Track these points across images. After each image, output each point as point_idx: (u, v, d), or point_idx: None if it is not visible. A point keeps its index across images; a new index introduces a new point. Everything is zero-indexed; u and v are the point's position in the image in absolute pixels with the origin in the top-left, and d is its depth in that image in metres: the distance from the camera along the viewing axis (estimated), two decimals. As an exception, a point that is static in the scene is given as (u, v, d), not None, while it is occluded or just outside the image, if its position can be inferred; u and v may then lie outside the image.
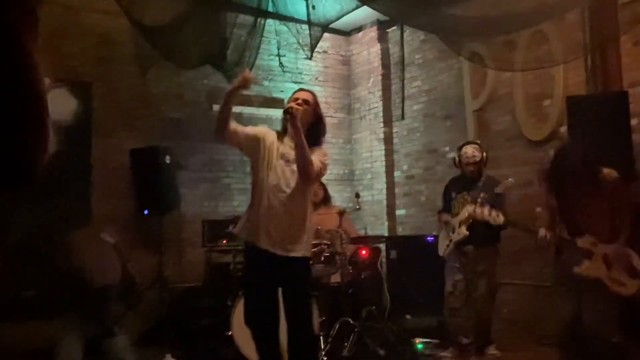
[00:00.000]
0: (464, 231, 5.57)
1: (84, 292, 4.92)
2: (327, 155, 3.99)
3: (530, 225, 4.64)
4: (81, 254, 4.94)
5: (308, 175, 3.77)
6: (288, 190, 3.83)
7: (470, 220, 5.52)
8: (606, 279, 4.01)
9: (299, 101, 3.92)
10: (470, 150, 5.78)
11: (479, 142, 6.04)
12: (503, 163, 6.89)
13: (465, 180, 5.79)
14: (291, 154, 3.84)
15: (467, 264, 5.67)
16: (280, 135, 4.00)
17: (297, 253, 3.85)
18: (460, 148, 5.93)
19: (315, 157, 3.83)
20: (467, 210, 5.53)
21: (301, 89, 4.23)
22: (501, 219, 4.66)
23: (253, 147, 3.96)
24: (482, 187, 5.58)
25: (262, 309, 3.93)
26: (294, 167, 3.83)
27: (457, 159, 5.91)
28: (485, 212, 4.71)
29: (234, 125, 3.90)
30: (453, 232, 5.71)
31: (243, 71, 3.92)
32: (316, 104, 4.04)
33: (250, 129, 4.03)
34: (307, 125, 3.90)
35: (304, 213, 3.92)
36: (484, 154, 5.81)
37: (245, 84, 3.78)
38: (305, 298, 4.00)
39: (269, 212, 3.82)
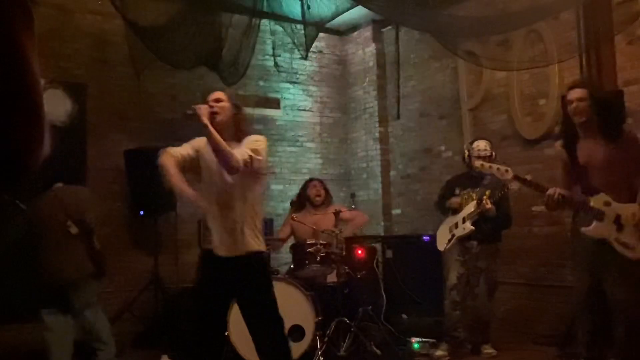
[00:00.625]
0: (469, 226, 5.57)
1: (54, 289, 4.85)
2: (258, 140, 3.81)
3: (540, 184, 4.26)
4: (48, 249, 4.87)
5: (231, 167, 3.63)
6: (229, 190, 3.78)
7: (477, 216, 5.53)
8: (613, 241, 3.86)
9: (211, 103, 3.81)
10: (482, 144, 5.79)
11: (485, 141, 5.98)
12: (498, 162, 6.89)
13: (471, 178, 5.76)
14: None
15: (470, 259, 5.67)
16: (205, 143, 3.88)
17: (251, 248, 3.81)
18: (471, 142, 5.95)
19: (242, 148, 3.70)
20: (472, 205, 5.55)
21: (211, 93, 4.05)
22: (510, 173, 4.40)
23: (196, 164, 3.93)
24: (488, 185, 5.55)
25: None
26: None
27: (467, 153, 5.88)
28: (494, 168, 4.46)
29: (175, 161, 3.84)
30: (456, 227, 5.71)
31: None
32: (229, 98, 3.89)
33: (185, 149, 3.95)
34: (231, 121, 3.83)
35: (248, 209, 3.84)
36: (494, 152, 5.80)
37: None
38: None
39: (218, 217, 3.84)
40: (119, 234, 7.20)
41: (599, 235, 3.92)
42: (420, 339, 6.01)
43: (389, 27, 8.82)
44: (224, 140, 3.63)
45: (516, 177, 4.31)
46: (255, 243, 3.82)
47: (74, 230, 4.88)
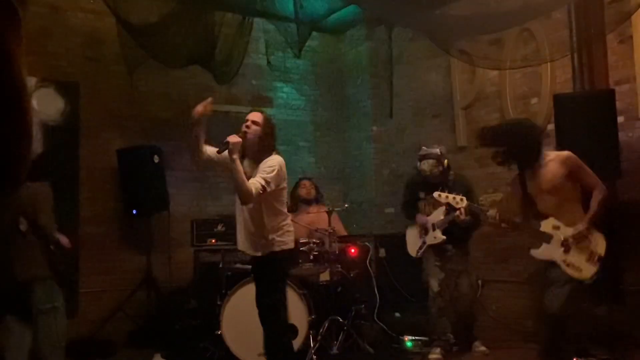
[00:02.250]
0: (440, 236, 5.60)
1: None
2: (272, 166, 4.21)
3: (484, 207, 4.67)
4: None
5: (244, 202, 4.14)
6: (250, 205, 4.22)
7: (447, 225, 5.55)
8: (561, 262, 4.06)
9: (248, 123, 4.31)
10: (426, 168, 5.73)
11: (437, 151, 5.84)
12: (491, 161, 6.90)
13: (432, 182, 5.69)
14: (248, 172, 4.17)
15: (447, 263, 5.70)
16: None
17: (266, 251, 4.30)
18: (419, 159, 5.87)
19: (257, 177, 4.11)
20: (441, 212, 5.58)
21: (252, 110, 4.58)
22: (464, 202, 4.64)
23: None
24: (452, 187, 5.44)
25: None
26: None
27: (418, 168, 5.86)
28: (450, 198, 4.70)
29: (207, 150, 4.30)
30: (426, 234, 5.72)
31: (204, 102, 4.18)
32: (265, 122, 4.38)
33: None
34: (257, 140, 4.30)
35: (262, 219, 4.29)
36: (445, 161, 5.73)
37: (202, 114, 4.14)
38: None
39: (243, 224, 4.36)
40: (111, 233, 7.18)
41: (547, 257, 4.16)
42: (413, 337, 6.03)
43: (382, 26, 8.82)
44: (246, 156, 4.25)
45: (469, 207, 4.68)
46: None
47: (24, 227, 4.66)
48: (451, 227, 5.56)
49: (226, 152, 4.10)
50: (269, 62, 8.37)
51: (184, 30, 6.67)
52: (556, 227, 4.11)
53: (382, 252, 7.10)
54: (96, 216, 7.07)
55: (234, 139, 4.08)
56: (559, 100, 5.57)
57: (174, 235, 7.29)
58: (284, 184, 4.37)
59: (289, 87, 8.87)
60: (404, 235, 6.10)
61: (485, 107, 7.27)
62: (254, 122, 4.33)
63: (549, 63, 6.33)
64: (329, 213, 6.06)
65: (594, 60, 5.98)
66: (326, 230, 5.89)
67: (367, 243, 6.99)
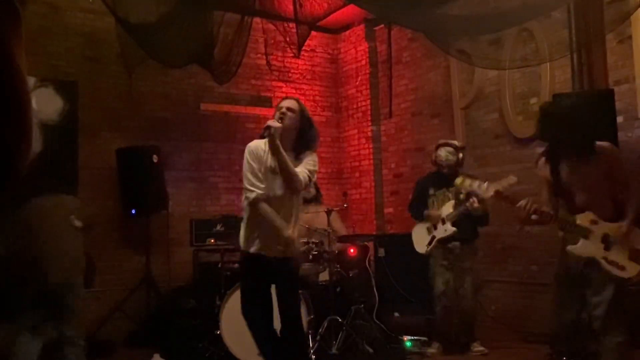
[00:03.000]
0: (450, 228, 5.59)
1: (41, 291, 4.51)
2: (316, 161, 4.14)
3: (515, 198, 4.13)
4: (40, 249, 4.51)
5: (295, 188, 4.02)
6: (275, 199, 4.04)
7: (456, 217, 5.56)
8: (602, 260, 3.75)
9: (283, 110, 4.06)
10: (443, 154, 5.79)
11: (456, 143, 5.97)
12: (490, 161, 6.92)
13: (443, 177, 5.78)
14: (276, 166, 4.01)
15: (454, 260, 5.69)
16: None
17: (289, 254, 4.07)
18: (436, 148, 5.94)
19: (302, 167, 4.00)
20: (450, 205, 5.57)
21: (286, 97, 4.40)
22: (490, 191, 4.29)
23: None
24: None
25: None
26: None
27: (433, 157, 5.92)
28: (475, 185, 4.41)
29: None
30: (436, 229, 5.71)
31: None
32: (302, 110, 4.15)
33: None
34: (295, 131, 4.07)
35: (294, 217, 4.12)
36: (460, 155, 5.78)
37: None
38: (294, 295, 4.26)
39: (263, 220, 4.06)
40: (110, 233, 7.18)
41: (586, 253, 3.82)
42: (412, 337, 6.03)
43: (382, 25, 8.83)
44: (282, 147, 3.94)
45: (497, 194, 4.17)
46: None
47: (79, 224, 4.73)
48: (459, 222, 5.55)
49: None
50: (268, 62, 8.36)
51: (183, 30, 6.65)
52: (594, 222, 3.79)
53: (381, 252, 7.09)
54: (95, 216, 7.06)
55: (275, 123, 3.94)
56: (558, 99, 5.56)
57: (173, 235, 7.29)
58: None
59: (288, 86, 8.87)
60: (403, 235, 6.11)
61: (484, 107, 7.27)
62: (289, 109, 4.09)
63: (548, 63, 6.33)
64: (328, 213, 6.06)
65: (594, 60, 5.98)
66: (325, 230, 5.89)
67: (366, 243, 7.00)
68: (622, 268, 3.73)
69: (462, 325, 5.81)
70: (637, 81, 5.63)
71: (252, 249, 4.06)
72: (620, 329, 3.80)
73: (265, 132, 3.93)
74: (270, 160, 4.04)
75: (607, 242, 3.77)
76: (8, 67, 0.95)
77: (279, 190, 4.03)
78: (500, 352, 5.65)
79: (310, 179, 4.04)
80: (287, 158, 3.93)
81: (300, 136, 4.10)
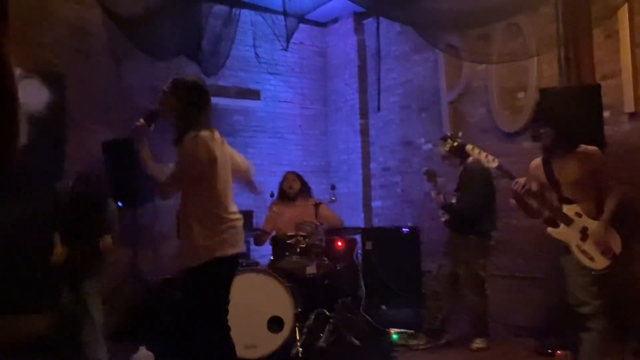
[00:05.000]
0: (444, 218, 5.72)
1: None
2: (189, 150, 3.64)
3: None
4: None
5: (160, 195, 3.75)
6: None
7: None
8: (575, 247, 4.08)
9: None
10: (439, 149, 5.85)
11: (448, 134, 5.96)
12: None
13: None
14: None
15: (453, 250, 5.72)
16: None
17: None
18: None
19: (171, 167, 3.67)
20: None
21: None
22: (495, 163, 4.38)
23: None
24: (460, 176, 5.68)
25: None
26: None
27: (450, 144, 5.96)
28: (483, 155, 4.46)
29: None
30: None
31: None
32: (172, 92, 3.82)
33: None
34: (172, 104, 3.85)
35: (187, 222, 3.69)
36: (453, 144, 5.75)
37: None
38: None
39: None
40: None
41: (562, 237, 4.15)
42: (399, 330, 6.05)
43: (370, 19, 8.82)
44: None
45: (499, 167, 4.41)
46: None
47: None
48: (451, 211, 5.63)
49: None
50: (256, 55, 8.34)
51: (171, 22, 6.63)
52: (578, 214, 4.11)
53: (368, 245, 7.11)
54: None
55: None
56: (545, 94, 5.60)
57: (160, 228, 7.26)
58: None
59: (276, 79, 8.85)
60: (391, 229, 6.14)
61: (472, 101, 7.29)
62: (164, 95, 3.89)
63: (535, 57, 6.35)
64: (316, 206, 6.06)
65: (581, 55, 6.00)
66: (313, 223, 5.89)
67: (354, 236, 7.01)
68: (592, 259, 4.06)
69: (468, 316, 5.84)
70: (624, 76, 5.66)
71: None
72: (598, 318, 4.07)
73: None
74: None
75: (584, 234, 4.08)
76: None
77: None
78: (490, 346, 5.66)
79: (175, 177, 3.59)
80: (149, 163, 3.66)
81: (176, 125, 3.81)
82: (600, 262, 4.05)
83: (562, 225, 4.15)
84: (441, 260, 5.84)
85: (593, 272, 4.05)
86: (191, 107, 3.73)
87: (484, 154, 4.44)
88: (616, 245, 4.09)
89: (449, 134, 5.99)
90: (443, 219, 5.74)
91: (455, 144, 5.58)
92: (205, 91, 3.82)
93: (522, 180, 4.23)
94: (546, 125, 4.26)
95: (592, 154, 4.17)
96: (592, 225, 4.09)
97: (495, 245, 5.86)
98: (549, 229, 4.22)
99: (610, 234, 4.09)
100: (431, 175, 5.80)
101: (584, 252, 4.07)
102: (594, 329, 4.08)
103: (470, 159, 5.47)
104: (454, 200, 5.71)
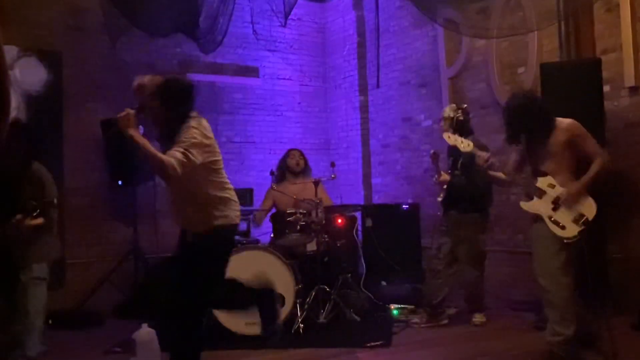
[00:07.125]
0: (440, 196, 5.68)
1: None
2: (193, 134, 3.65)
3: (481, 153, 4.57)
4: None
5: (163, 176, 3.61)
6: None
7: (445, 186, 5.61)
8: (546, 218, 4.11)
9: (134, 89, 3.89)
10: (447, 110, 5.82)
11: (453, 105, 5.93)
12: (477, 130, 6.88)
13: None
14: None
15: (452, 228, 5.69)
16: None
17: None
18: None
19: (175, 149, 3.56)
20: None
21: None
22: (470, 146, 4.44)
23: None
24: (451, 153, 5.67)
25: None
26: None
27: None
28: (459, 140, 4.50)
29: None
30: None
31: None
32: (156, 85, 3.90)
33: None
34: (154, 105, 3.88)
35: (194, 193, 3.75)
36: (452, 115, 5.67)
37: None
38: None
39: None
40: (97, 204, 7.15)
41: (534, 210, 4.21)
42: (399, 306, 6.08)
43: (369, -6, 8.74)
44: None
45: (472, 151, 4.49)
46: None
47: None
48: (453, 193, 5.59)
49: None
50: (254, 31, 8.28)
51: (168, -2, 6.57)
52: (551, 186, 4.14)
53: (368, 222, 7.13)
54: (81, 187, 7.03)
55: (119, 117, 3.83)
56: (545, 69, 5.57)
57: (159, 206, 7.26)
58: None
59: (275, 56, 8.79)
60: (391, 206, 6.13)
61: (472, 76, 7.25)
62: (139, 88, 3.99)
63: (535, 32, 6.30)
64: (316, 184, 6.06)
65: (581, 29, 5.97)
66: (313, 201, 5.90)
67: (353, 213, 7.02)
68: (563, 228, 4.08)
69: (466, 292, 5.84)
70: (624, 50, 5.62)
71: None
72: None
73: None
74: None
75: (556, 203, 4.12)
76: None
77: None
78: (488, 320, 5.70)
79: (184, 162, 3.47)
80: (148, 146, 3.56)
81: (167, 111, 3.83)
82: (571, 230, 4.07)
83: (535, 199, 4.20)
84: (439, 238, 5.80)
85: (565, 241, 4.06)
86: (173, 113, 3.84)
87: (459, 140, 4.50)
88: (589, 210, 4.09)
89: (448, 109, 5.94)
90: (440, 199, 5.70)
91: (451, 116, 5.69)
92: (192, 98, 3.95)
93: (484, 154, 4.42)
94: (516, 134, 4.29)
95: (566, 127, 4.16)
96: (563, 192, 4.11)
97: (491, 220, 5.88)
98: (521, 203, 4.29)
99: (583, 198, 4.10)
100: (436, 158, 5.76)
101: (554, 221, 4.10)
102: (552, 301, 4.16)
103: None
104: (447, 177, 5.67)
